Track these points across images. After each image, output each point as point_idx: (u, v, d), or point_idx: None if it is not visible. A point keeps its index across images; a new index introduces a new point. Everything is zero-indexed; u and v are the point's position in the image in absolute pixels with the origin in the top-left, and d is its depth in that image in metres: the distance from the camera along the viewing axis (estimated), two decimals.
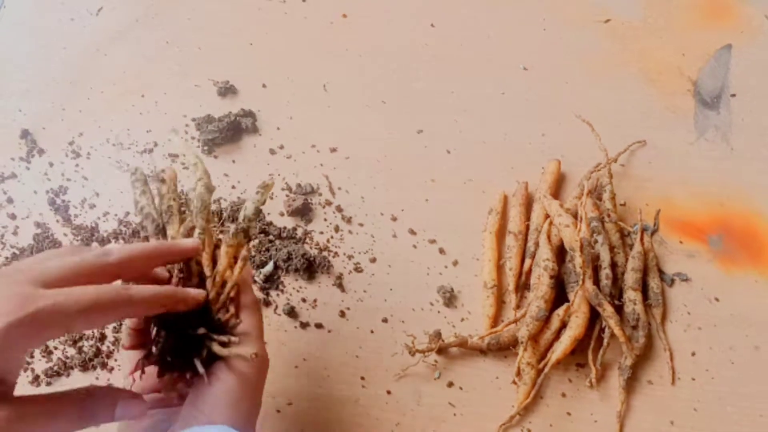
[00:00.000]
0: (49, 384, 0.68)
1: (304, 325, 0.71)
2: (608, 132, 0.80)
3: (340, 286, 0.74)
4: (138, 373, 0.52)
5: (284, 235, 0.76)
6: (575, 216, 0.73)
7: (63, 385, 0.68)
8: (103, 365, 0.69)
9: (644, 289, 0.72)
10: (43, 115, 0.85)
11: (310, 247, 0.76)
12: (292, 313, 0.72)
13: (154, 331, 0.52)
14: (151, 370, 0.52)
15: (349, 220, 0.78)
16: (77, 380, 0.68)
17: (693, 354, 0.70)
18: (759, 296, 0.73)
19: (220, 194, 0.79)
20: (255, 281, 0.73)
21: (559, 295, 0.71)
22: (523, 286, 0.73)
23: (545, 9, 0.96)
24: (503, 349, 0.69)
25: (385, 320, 0.72)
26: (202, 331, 0.50)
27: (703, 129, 0.84)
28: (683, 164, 0.82)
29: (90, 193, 0.79)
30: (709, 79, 0.88)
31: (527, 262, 0.74)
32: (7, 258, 0.75)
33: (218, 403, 0.48)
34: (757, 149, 0.83)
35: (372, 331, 0.71)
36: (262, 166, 0.82)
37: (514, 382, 0.67)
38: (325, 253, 0.76)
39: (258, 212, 0.57)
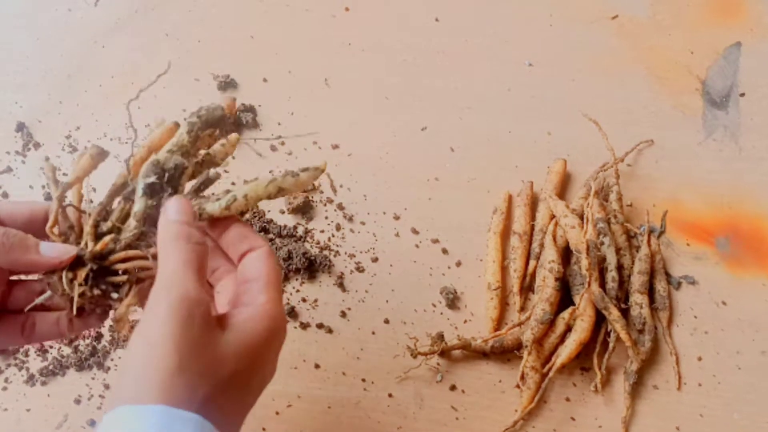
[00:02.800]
0: (44, 383, 0.67)
1: (305, 326, 0.70)
2: (615, 131, 0.79)
3: (341, 285, 0.73)
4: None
5: (284, 233, 0.75)
6: (581, 217, 0.72)
7: (58, 384, 0.67)
8: (99, 365, 0.68)
9: (650, 291, 0.71)
10: (40, 108, 0.83)
11: (311, 246, 0.75)
12: (292, 313, 0.71)
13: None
14: None
15: (350, 219, 0.77)
16: (73, 379, 0.67)
17: (699, 359, 0.69)
18: (766, 300, 0.72)
19: (219, 191, 0.77)
20: None
21: (564, 297, 0.70)
22: (527, 288, 0.72)
23: (552, 4, 0.94)
24: (507, 352, 0.68)
25: (386, 321, 0.71)
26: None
27: (712, 129, 0.83)
28: (691, 165, 0.81)
29: (87, 188, 0.77)
30: (718, 77, 0.87)
31: (532, 263, 0.73)
32: None
33: (142, 375, 0.38)
34: (766, 149, 0.82)
35: (373, 332, 0.70)
36: (262, 162, 0.80)
37: (518, 386, 0.66)
38: (326, 252, 0.74)
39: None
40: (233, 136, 0.52)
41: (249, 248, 0.47)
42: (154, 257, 0.45)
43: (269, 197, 0.48)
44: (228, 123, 0.51)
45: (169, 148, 0.49)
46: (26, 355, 0.68)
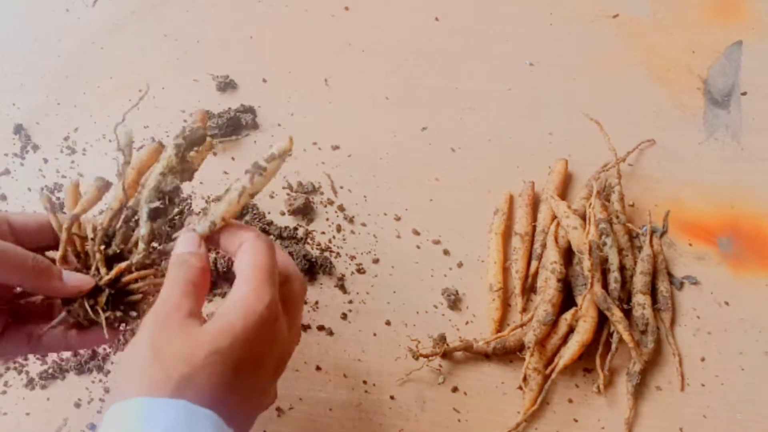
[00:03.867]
0: (44, 387, 0.66)
1: (306, 328, 0.70)
2: (616, 130, 0.78)
3: (342, 287, 0.72)
4: None
5: (285, 235, 0.74)
6: (583, 217, 0.72)
7: (58, 388, 0.67)
8: (99, 368, 0.67)
9: (653, 292, 0.71)
10: (38, 109, 0.83)
11: (312, 248, 0.74)
12: None
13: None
14: None
15: (351, 220, 0.76)
16: (73, 383, 0.66)
17: (702, 359, 0.69)
18: None
19: (219, 192, 0.77)
20: None
21: (567, 297, 0.69)
22: (529, 289, 0.72)
23: (552, 4, 0.94)
24: (509, 353, 0.68)
25: (388, 323, 0.70)
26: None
27: (713, 128, 0.83)
28: (693, 164, 0.80)
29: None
30: (720, 77, 0.87)
31: (534, 264, 0.72)
32: None
33: (124, 372, 0.41)
34: None
35: (375, 334, 0.70)
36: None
37: (520, 388, 0.66)
38: (326, 254, 0.74)
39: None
40: (207, 142, 0.53)
41: (239, 244, 0.47)
42: (163, 274, 0.48)
43: (246, 206, 0.50)
44: (206, 136, 0.53)
45: (160, 170, 0.51)
46: (26, 358, 0.67)
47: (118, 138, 0.53)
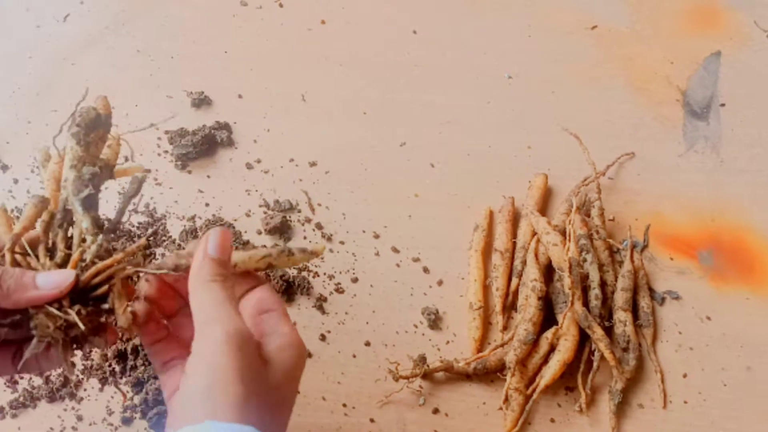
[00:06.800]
0: (14, 416, 0.64)
1: None
2: (596, 143, 0.78)
3: (321, 308, 0.71)
4: None
5: None
6: (563, 233, 0.71)
7: (29, 417, 0.65)
8: (72, 395, 0.66)
9: (634, 307, 0.70)
10: (7, 128, 0.81)
11: (289, 268, 0.73)
12: None
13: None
14: None
15: (329, 238, 0.75)
16: (44, 411, 0.65)
17: (685, 375, 0.68)
18: (751, 314, 0.71)
19: (195, 212, 0.76)
20: None
21: (548, 315, 0.69)
22: (510, 307, 0.71)
23: (530, 15, 0.93)
24: (490, 373, 0.67)
25: (367, 344, 0.69)
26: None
27: (693, 140, 0.82)
28: (673, 177, 0.80)
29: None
30: (698, 88, 0.87)
31: (514, 281, 0.71)
32: None
33: (190, 398, 0.42)
34: (747, 161, 0.82)
35: (354, 356, 0.68)
36: (238, 181, 0.78)
37: (502, 408, 0.65)
38: (304, 274, 0.73)
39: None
40: (114, 132, 0.53)
41: (252, 285, 0.50)
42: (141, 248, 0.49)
43: (257, 269, 0.51)
44: (108, 122, 0.52)
45: (70, 164, 0.50)
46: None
47: (36, 156, 0.52)
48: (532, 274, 0.69)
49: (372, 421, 0.65)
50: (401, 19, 0.92)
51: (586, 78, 0.88)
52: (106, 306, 0.48)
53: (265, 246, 0.51)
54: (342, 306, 0.71)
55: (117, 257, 0.48)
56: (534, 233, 0.73)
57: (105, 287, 0.48)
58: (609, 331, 0.68)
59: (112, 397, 0.65)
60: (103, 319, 0.48)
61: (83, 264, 0.48)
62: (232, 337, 0.42)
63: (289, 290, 0.71)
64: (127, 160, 0.79)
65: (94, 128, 0.51)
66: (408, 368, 0.66)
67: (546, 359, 0.67)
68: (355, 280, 0.73)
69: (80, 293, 0.48)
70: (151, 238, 0.74)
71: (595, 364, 0.66)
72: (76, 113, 0.50)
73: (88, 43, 0.89)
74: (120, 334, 0.51)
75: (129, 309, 0.48)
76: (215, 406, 0.40)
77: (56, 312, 0.46)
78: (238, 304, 0.48)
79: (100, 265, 0.48)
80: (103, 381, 0.66)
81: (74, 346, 0.49)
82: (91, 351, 0.67)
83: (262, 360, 0.44)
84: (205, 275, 0.46)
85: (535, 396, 0.64)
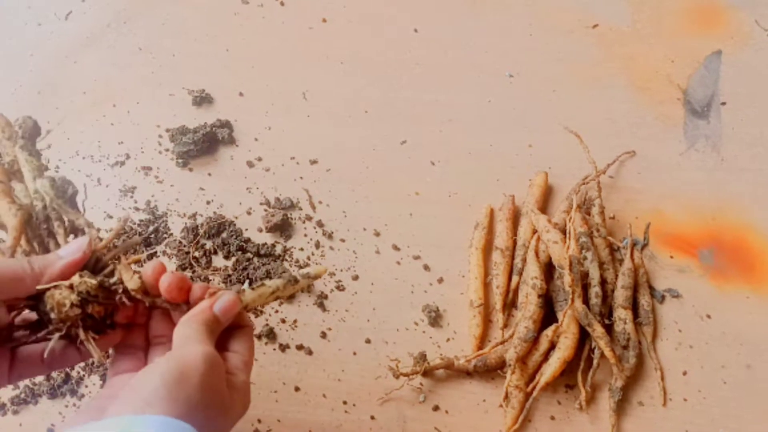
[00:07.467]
0: (15, 412, 0.65)
1: (284, 347, 0.69)
2: (597, 142, 0.78)
3: (322, 305, 0.71)
4: None
5: (263, 252, 0.73)
6: (563, 231, 0.71)
7: (31, 413, 0.65)
8: (73, 392, 0.66)
9: (634, 306, 0.70)
10: None
11: (290, 265, 0.73)
12: (270, 334, 0.69)
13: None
14: None
15: (330, 236, 0.75)
16: (46, 407, 0.65)
17: (684, 373, 0.68)
18: (751, 313, 0.71)
19: (196, 209, 0.76)
20: None
21: (548, 312, 0.69)
22: (510, 304, 0.71)
23: (531, 14, 0.93)
24: (490, 370, 0.67)
25: (368, 341, 0.69)
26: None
27: (693, 139, 0.82)
28: (673, 175, 0.80)
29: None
30: (699, 86, 0.87)
31: (514, 279, 0.72)
32: None
33: (154, 389, 0.43)
34: (748, 159, 0.81)
35: (355, 353, 0.69)
36: (239, 179, 0.79)
37: (502, 406, 0.65)
38: None
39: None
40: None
41: (235, 323, 0.52)
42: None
43: (266, 303, 0.54)
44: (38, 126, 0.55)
45: (32, 175, 0.53)
46: None
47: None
48: (533, 271, 0.69)
49: (372, 418, 0.65)
50: (402, 17, 0.92)
51: (587, 77, 0.88)
52: (113, 280, 0.49)
53: (269, 279, 0.55)
54: (343, 303, 0.71)
55: (117, 228, 0.52)
56: (534, 231, 0.73)
57: (111, 266, 0.50)
58: (609, 329, 0.68)
59: None
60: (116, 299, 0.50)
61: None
62: (208, 356, 0.46)
63: None
64: (128, 157, 0.80)
65: (36, 135, 0.54)
66: (408, 365, 0.66)
67: (546, 357, 0.67)
68: (355, 278, 0.73)
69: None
70: (152, 236, 0.75)
71: (595, 362, 0.66)
72: (15, 127, 0.53)
73: (89, 41, 0.89)
74: (132, 312, 0.51)
75: (136, 275, 0.49)
76: (172, 401, 0.43)
77: (75, 279, 0.47)
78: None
79: (111, 234, 0.51)
80: (104, 377, 0.66)
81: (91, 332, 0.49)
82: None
83: (228, 386, 0.47)
84: (200, 319, 0.49)
85: (535, 393, 0.65)
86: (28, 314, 0.50)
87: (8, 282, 0.46)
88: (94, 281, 0.48)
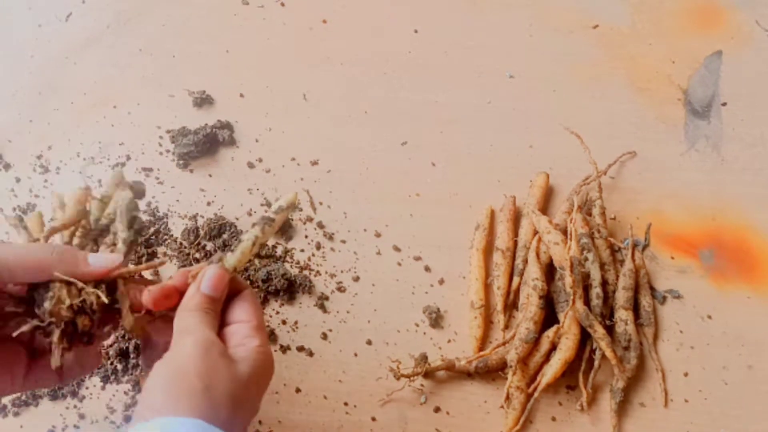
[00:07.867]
0: (16, 414, 0.65)
1: (285, 349, 0.69)
2: (597, 142, 0.78)
3: (322, 306, 0.71)
4: None
5: (263, 253, 0.73)
6: (564, 232, 0.71)
7: (31, 414, 0.65)
8: (74, 394, 0.66)
9: (635, 306, 0.70)
10: (9, 127, 0.81)
11: (291, 266, 0.73)
12: (271, 336, 0.69)
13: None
14: None
15: (331, 237, 0.75)
16: (46, 409, 0.65)
17: (686, 374, 0.68)
18: (751, 314, 0.71)
19: (196, 210, 0.76)
20: None
21: (549, 313, 0.69)
22: (511, 305, 0.71)
23: (531, 14, 0.93)
24: (491, 372, 0.67)
25: (369, 342, 0.69)
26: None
27: (694, 139, 0.82)
28: (674, 176, 0.80)
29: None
30: (700, 87, 0.86)
31: (515, 280, 0.72)
32: None
33: (156, 392, 0.44)
34: (749, 160, 0.81)
35: (355, 354, 0.69)
36: (239, 180, 0.78)
37: (503, 407, 0.65)
38: (306, 272, 0.73)
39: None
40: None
41: (231, 291, 0.51)
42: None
43: (257, 255, 0.53)
44: None
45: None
46: None
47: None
48: (534, 272, 0.69)
49: (373, 419, 0.65)
50: (402, 18, 0.92)
51: (588, 77, 0.88)
52: (116, 306, 0.50)
53: (245, 232, 0.52)
54: (343, 305, 0.71)
55: (148, 266, 0.52)
56: (535, 232, 0.73)
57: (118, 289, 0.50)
58: (610, 330, 0.68)
59: (114, 396, 0.66)
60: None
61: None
62: (199, 342, 0.45)
63: (290, 289, 0.71)
64: (129, 158, 0.80)
65: (141, 197, 0.56)
66: (409, 367, 0.66)
67: (547, 358, 0.67)
68: (356, 279, 0.73)
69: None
70: (153, 237, 0.75)
71: (596, 363, 0.66)
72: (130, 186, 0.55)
73: (89, 42, 0.89)
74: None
75: (132, 316, 0.49)
76: (173, 399, 0.43)
77: (88, 288, 0.48)
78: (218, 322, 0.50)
79: (140, 268, 0.51)
80: (105, 379, 0.66)
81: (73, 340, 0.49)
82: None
83: (229, 359, 0.46)
84: (193, 305, 0.48)
85: (536, 395, 0.65)
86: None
87: (30, 269, 0.47)
88: (104, 300, 0.48)
